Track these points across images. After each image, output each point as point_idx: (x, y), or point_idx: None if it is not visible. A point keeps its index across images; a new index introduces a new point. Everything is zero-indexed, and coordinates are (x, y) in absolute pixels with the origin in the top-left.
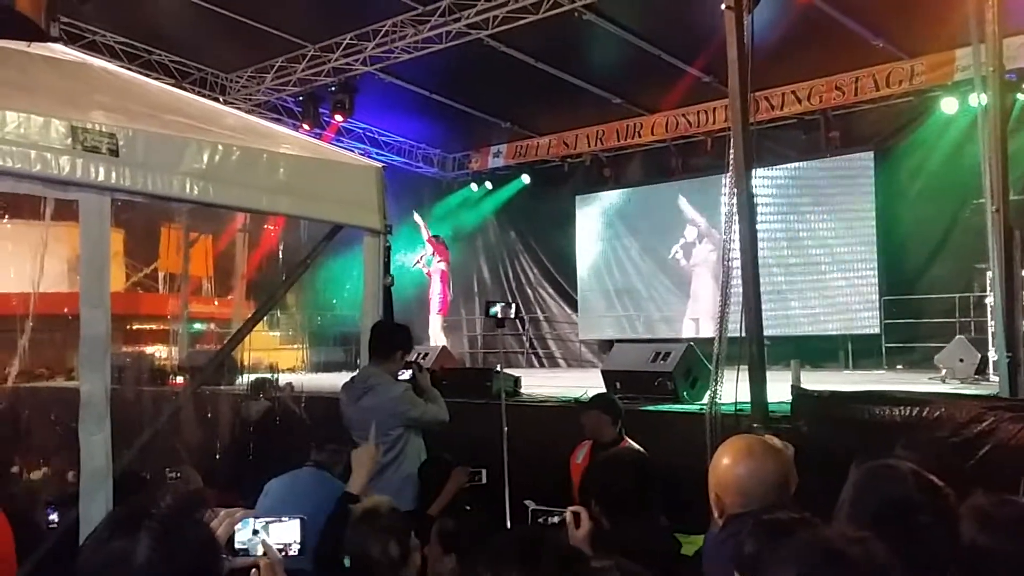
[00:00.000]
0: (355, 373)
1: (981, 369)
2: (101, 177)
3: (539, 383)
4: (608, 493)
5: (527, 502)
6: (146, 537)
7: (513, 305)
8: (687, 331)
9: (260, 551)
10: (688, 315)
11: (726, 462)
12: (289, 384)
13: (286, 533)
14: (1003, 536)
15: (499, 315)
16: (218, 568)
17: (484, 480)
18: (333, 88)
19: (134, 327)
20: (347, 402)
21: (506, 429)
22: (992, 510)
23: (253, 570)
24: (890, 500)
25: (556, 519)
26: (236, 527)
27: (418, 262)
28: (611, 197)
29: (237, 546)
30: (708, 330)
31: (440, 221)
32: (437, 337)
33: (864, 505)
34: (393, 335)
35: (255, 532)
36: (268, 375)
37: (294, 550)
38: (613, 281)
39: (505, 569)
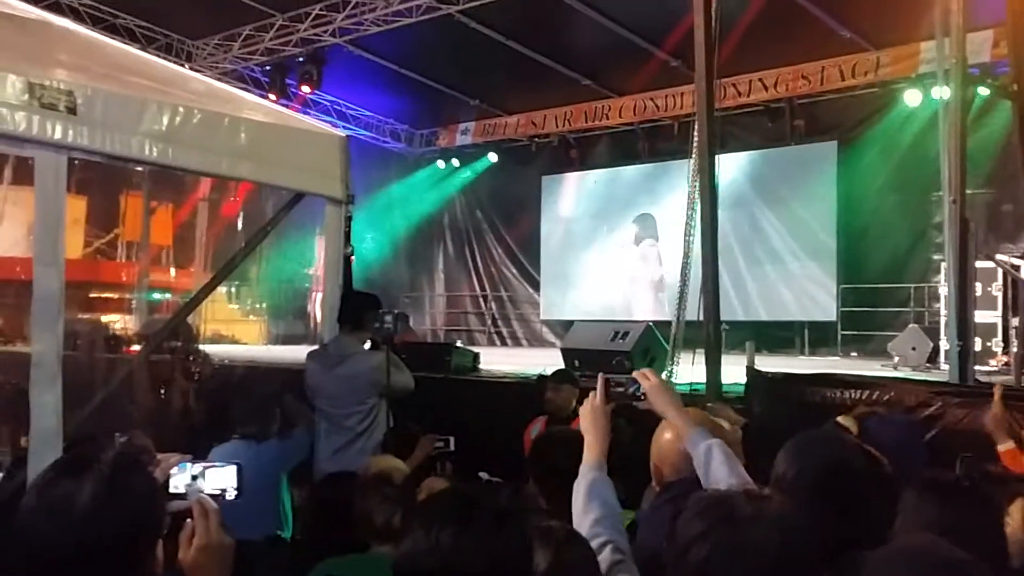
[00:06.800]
0: (325, 343)
1: (932, 358)
2: (58, 135)
3: (499, 360)
4: (548, 473)
5: (481, 474)
6: (91, 482)
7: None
8: (646, 314)
9: (195, 496)
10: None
11: (667, 436)
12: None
13: (222, 478)
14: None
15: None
16: (160, 517)
17: (452, 448)
18: (301, 59)
19: (92, 295)
20: (319, 370)
21: None
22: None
23: (188, 520)
24: (832, 465)
25: None
26: (172, 471)
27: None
28: (578, 178)
29: (172, 490)
30: (667, 314)
31: (406, 197)
32: None
33: (806, 471)
34: (365, 305)
35: (193, 478)
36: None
37: (231, 495)
38: (576, 262)
39: (440, 526)
